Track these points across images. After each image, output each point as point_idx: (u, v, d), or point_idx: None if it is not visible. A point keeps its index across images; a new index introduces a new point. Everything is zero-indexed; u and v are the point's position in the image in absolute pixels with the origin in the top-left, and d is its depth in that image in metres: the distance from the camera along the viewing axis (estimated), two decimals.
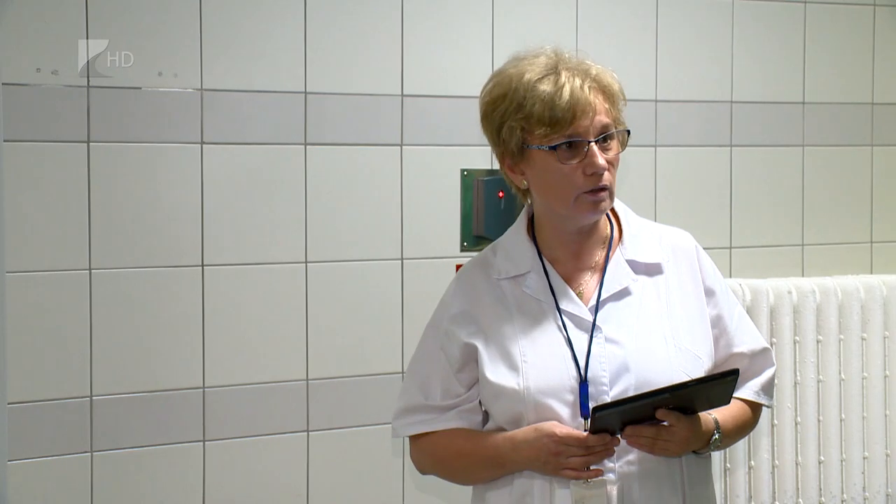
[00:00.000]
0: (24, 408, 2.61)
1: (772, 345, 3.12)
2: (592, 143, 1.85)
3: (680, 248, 2.00)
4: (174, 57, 2.71)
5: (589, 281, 1.95)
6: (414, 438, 2.03)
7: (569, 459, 1.84)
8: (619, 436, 1.83)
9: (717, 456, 2.98)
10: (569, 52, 1.91)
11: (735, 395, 1.96)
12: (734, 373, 1.81)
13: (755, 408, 2.03)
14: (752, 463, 3.15)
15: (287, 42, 2.82)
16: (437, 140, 2.97)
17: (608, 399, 1.84)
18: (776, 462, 3.16)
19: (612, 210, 2.01)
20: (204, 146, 2.75)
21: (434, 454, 2.02)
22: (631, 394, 1.83)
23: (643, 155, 3.15)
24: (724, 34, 3.30)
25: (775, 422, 3.15)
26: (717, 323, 1.98)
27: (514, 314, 1.95)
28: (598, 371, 1.86)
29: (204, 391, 2.78)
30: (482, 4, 3.00)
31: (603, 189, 1.87)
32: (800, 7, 3.36)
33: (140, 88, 2.68)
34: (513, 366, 1.91)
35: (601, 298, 1.92)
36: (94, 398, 2.68)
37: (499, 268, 1.99)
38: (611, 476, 1.85)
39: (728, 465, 3.13)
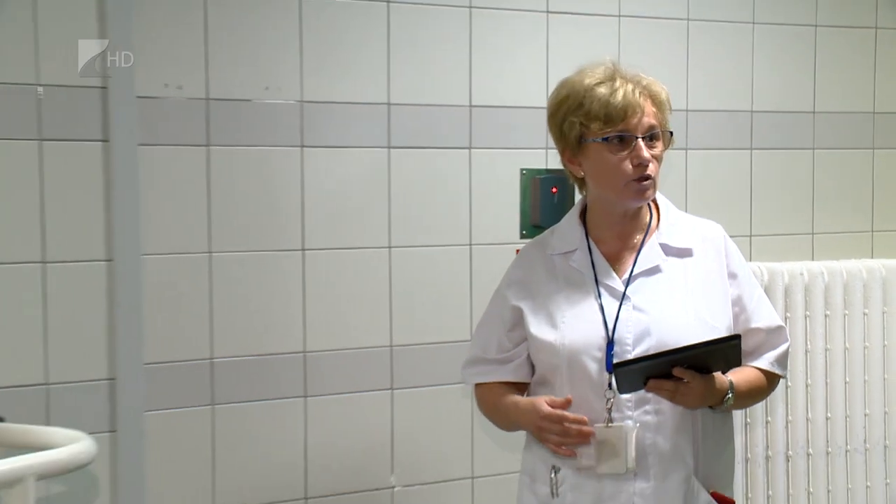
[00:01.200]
0: (158, 367, 2.76)
1: (786, 319, 3.20)
2: (640, 139, 1.99)
3: (710, 237, 2.12)
4: (279, 74, 2.83)
5: (627, 259, 2.09)
6: (475, 388, 2.22)
7: (549, 436, 2.00)
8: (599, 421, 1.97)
9: (738, 413, 3.01)
10: (626, 66, 2.06)
11: (753, 364, 2.10)
12: (736, 337, 1.93)
13: (770, 377, 2.13)
14: (769, 419, 3.24)
15: (372, 60, 2.93)
16: (499, 144, 3.07)
17: (630, 357, 1.97)
18: (790, 418, 3.26)
19: (655, 203, 2.15)
20: (304, 149, 2.88)
21: (484, 402, 2.21)
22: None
23: (675, 157, 3.23)
24: (745, 53, 3.38)
25: (789, 384, 3.23)
26: (738, 302, 2.09)
27: (561, 283, 2.09)
28: (624, 333, 2.00)
29: (305, 355, 2.91)
30: (538, 29, 3.11)
31: (647, 178, 2.01)
32: (811, 30, 3.45)
33: (250, 101, 2.81)
34: (553, 324, 2.05)
35: (633, 273, 2.05)
36: (214, 360, 2.82)
37: (553, 245, 2.14)
38: (629, 423, 1.98)
39: (748, 420, 3.21)
